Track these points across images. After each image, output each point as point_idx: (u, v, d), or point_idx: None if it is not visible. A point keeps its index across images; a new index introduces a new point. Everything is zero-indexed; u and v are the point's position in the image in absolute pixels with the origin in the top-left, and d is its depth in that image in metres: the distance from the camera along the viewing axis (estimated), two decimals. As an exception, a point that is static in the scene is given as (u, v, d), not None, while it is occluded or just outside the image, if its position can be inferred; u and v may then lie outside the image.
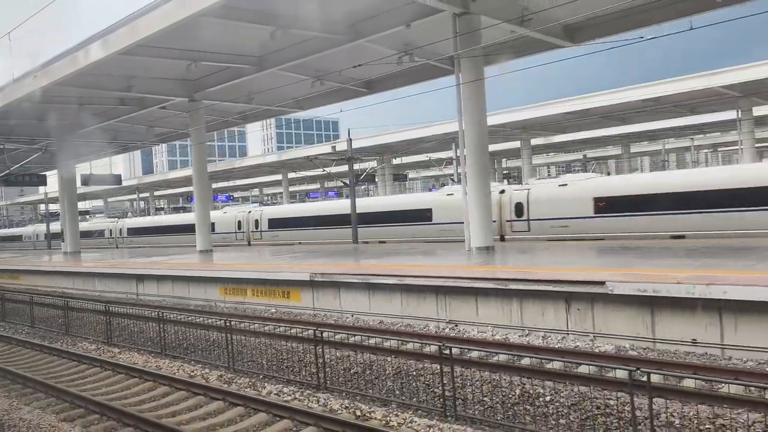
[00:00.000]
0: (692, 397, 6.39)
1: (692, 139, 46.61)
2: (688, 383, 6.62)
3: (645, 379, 5.40)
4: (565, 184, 20.30)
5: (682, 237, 16.94)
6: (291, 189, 78.08)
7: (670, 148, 54.49)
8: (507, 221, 20.97)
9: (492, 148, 49.17)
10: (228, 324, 9.77)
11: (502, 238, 20.86)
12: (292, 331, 10.32)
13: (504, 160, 58.49)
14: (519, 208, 20.68)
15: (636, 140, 49.33)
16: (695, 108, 35.14)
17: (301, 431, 6.48)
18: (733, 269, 9.47)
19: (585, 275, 9.51)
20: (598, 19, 17.53)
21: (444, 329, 10.89)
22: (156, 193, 75.47)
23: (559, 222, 19.58)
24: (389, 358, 8.80)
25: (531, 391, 7.13)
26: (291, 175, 53.96)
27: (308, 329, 9.08)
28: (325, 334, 8.92)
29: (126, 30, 16.32)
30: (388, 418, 6.57)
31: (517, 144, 42.15)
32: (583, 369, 7.72)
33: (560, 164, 70.29)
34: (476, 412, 6.74)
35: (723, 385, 6.59)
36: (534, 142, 46.03)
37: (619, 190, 18.84)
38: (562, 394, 6.92)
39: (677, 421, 6.01)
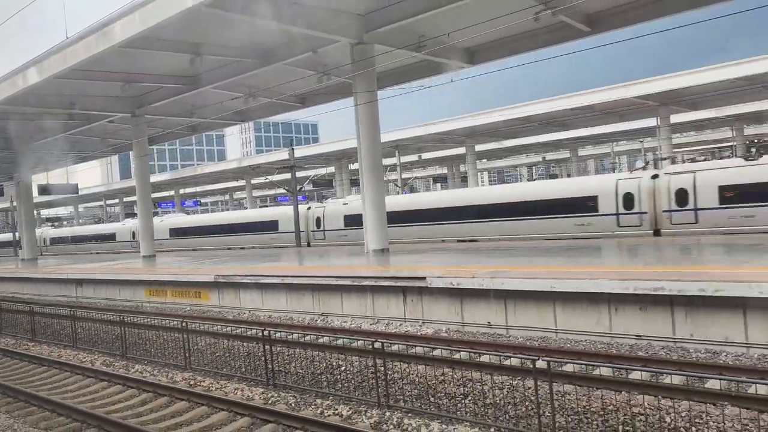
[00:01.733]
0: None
1: (615, 144, 49.89)
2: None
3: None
4: (346, 203, 27.76)
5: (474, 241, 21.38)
6: (264, 193, 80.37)
7: (619, 151, 57.32)
8: (311, 231, 28.55)
9: (445, 153, 52.11)
10: (124, 321, 11.76)
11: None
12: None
13: (461, 165, 61.14)
14: (318, 222, 28.02)
15: (584, 143, 52.09)
16: (624, 115, 37.86)
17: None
18: (518, 265, 11.70)
19: (411, 272, 11.66)
20: (494, 42, 19.79)
21: (316, 320, 12.97)
22: (126, 199, 76.72)
23: (338, 232, 27.03)
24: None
25: (334, 364, 9.22)
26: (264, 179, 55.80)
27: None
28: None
29: (59, 57, 18.21)
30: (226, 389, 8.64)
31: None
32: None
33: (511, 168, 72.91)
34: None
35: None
36: (488, 147, 49.00)
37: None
38: (354, 365, 9.01)
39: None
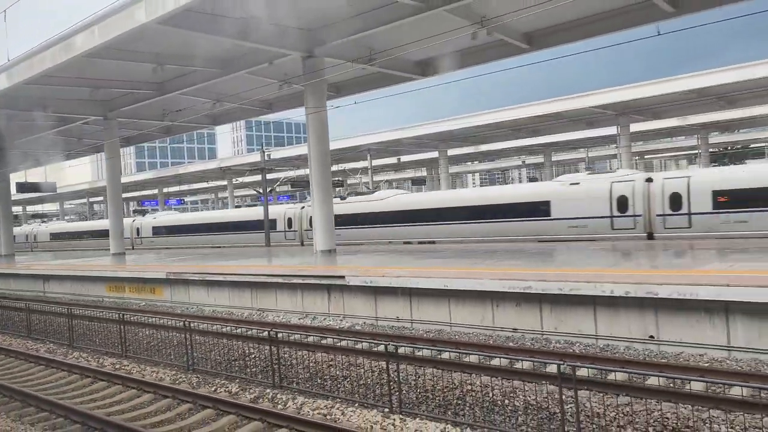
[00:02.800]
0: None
1: (587, 149, 51.50)
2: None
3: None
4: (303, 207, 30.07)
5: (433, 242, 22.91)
6: (250, 193, 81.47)
7: (594, 156, 58.84)
8: (304, 230, 29.31)
9: (423, 156, 53.41)
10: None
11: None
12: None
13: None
14: (312, 221, 30.48)
15: (558, 149, 53.65)
16: (592, 123, 39.27)
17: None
18: (432, 266, 12.97)
19: (333, 272, 12.91)
20: (443, 56, 21.04)
21: (252, 315, 14.19)
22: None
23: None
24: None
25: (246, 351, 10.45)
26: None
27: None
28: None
29: (26, 64, 19.38)
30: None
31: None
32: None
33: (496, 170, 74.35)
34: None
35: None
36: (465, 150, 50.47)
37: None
38: (264, 352, 10.23)
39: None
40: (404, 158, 55.94)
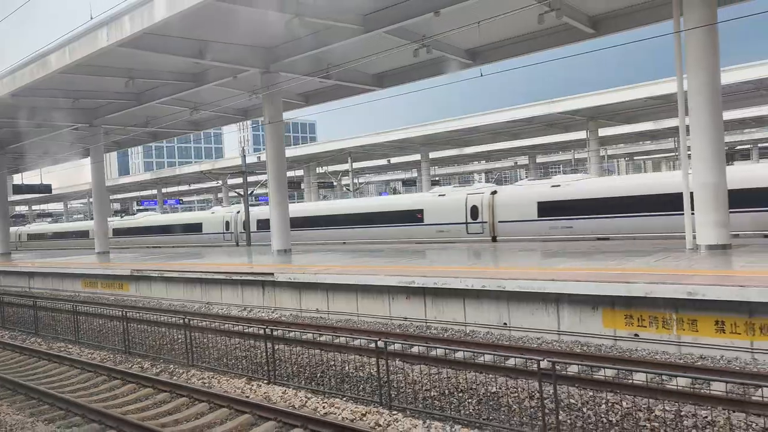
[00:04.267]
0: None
1: (573, 151, 52.95)
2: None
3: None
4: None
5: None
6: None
7: (580, 158, 60.16)
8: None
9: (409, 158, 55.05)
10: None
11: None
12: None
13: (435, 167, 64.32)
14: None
15: (541, 152, 55.17)
16: (569, 127, 40.76)
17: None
18: (348, 264, 14.67)
19: (265, 269, 14.67)
20: (396, 69, 22.75)
21: (201, 308, 15.97)
22: (112, 197, 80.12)
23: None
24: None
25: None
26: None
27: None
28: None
29: (9, 78, 21.32)
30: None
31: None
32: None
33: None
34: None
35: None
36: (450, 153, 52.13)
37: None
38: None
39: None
40: (395, 159, 57.69)
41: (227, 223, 33.07)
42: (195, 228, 35.87)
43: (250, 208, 32.89)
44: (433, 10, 16.00)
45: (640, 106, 33.00)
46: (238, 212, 33.02)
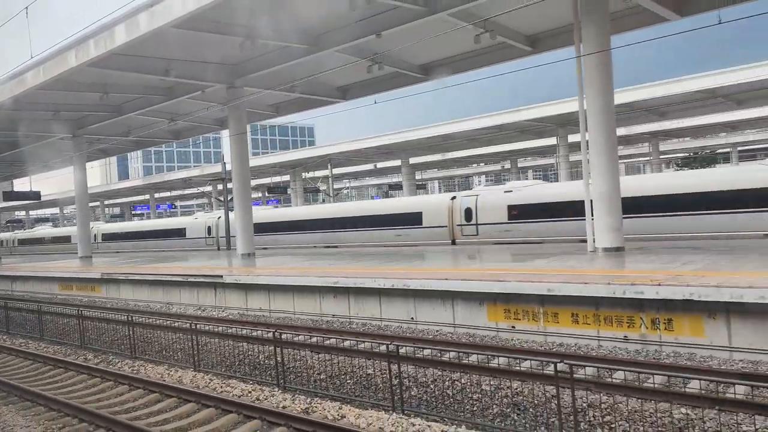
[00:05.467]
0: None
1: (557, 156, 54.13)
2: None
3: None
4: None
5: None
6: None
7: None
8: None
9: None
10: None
11: None
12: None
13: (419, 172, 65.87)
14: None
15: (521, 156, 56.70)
16: (541, 133, 42.17)
17: None
18: (282, 266, 16.08)
19: (213, 271, 16.08)
20: (358, 83, 24.19)
21: (162, 308, 17.38)
22: (106, 202, 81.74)
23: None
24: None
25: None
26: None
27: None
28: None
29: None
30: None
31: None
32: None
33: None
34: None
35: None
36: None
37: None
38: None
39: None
40: (381, 164, 59.15)
41: (209, 228, 34.55)
42: (179, 233, 37.48)
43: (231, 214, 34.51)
44: (375, 33, 17.41)
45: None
46: (219, 218, 34.53)
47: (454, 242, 23.20)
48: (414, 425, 6.68)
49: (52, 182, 58.09)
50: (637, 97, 31.56)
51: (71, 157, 38.82)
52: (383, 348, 9.29)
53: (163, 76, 20.15)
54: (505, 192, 22.29)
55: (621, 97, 31.86)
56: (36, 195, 41.30)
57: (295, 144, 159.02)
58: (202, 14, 14.89)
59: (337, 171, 59.44)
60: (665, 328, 8.84)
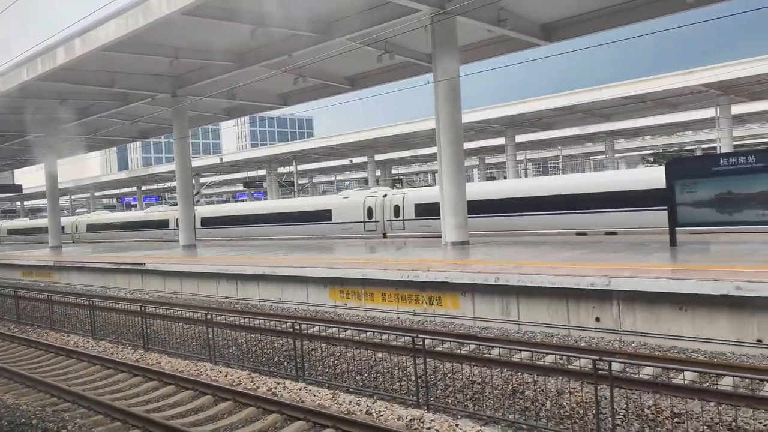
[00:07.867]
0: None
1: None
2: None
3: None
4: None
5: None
6: (222, 190, 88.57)
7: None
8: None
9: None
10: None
11: None
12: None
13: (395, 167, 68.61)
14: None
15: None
16: (499, 132, 44.79)
17: None
18: (221, 257, 18.90)
19: (138, 260, 18.92)
20: (295, 91, 26.89)
21: (103, 292, 20.23)
22: (96, 194, 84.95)
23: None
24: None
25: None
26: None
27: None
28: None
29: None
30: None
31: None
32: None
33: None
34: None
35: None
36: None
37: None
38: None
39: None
40: (357, 160, 61.80)
41: (170, 221, 37.21)
42: (155, 225, 40.21)
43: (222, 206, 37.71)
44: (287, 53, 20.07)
45: (547, 116, 36.99)
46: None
47: (385, 236, 25.83)
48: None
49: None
50: (578, 100, 34.13)
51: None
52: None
53: (110, 87, 22.93)
54: (419, 192, 24.89)
55: (562, 100, 34.65)
56: (17, 188, 44.49)
57: (294, 135, 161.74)
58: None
59: (314, 166, 62.33)
60: (437, 304, 11.63)
